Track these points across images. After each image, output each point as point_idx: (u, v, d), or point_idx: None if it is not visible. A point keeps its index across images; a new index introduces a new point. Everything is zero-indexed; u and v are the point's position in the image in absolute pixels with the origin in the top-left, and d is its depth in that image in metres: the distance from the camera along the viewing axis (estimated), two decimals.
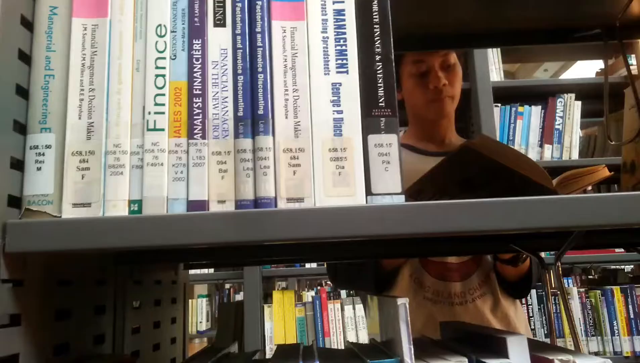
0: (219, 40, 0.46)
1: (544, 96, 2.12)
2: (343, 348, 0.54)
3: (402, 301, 0.41)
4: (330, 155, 0.45)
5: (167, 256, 0.66)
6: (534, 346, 0.45)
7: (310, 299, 2.10)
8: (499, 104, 2.10)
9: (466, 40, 0.98)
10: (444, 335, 0.62)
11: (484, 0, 0.84)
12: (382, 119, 0.46)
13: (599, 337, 1.95)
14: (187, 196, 0.43)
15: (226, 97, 0.45)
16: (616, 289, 1.98)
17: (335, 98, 0.46)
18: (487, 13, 0.89)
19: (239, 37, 0.46)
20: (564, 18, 0.90)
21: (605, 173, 0.71)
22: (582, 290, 1.99)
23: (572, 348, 1.35)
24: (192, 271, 2.79)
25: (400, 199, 0.45)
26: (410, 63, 1.13)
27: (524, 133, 2.08)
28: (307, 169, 0.44)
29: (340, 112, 0.46)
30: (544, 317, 1.96)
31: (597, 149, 2.24)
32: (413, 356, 0.40)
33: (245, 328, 1.85)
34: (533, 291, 1.97)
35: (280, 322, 1.96)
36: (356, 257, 1.02)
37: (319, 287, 3.68)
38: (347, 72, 0.46)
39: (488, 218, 0.42)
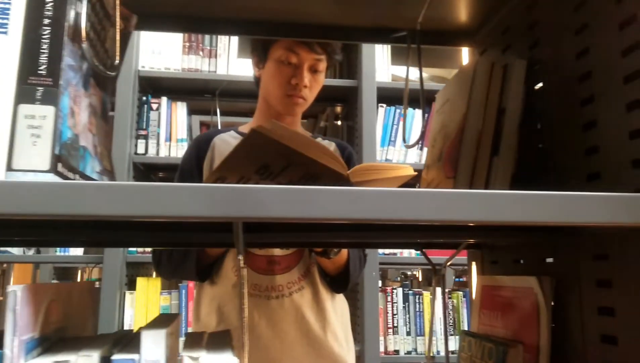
0: None
1: (428, 100, 2.17)
2: None
3: (13, 289, 0.37)
4: None
5: None
6: (195, 342, 0.42)
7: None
8: (384, 105, 2.13)
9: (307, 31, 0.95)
10: None
11: None
12: (40, 88, 0.42)
13: (457, 337, 2.03)
14: None
15: None
16: None
17: None
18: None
19: None
20: (382, 18, 0.89)
21: (407, 171, 0.70)
22: (446, 290, 2.06)
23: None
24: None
25: (48, 177, 0.41)
26: (283, 48, 1.09)
27: (405, 135, 2.11)
28: None
29: None
30: (407, 316, 2.01)
31: None
32: (16, 348, 0.36)
33: (101, 315, 1.77)
34: (399, 290, 2.02)
35: (142, 310, 1.89)
36: (167, 245, 0.98)
37: None
38: (6, 32, 0.42)
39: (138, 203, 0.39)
